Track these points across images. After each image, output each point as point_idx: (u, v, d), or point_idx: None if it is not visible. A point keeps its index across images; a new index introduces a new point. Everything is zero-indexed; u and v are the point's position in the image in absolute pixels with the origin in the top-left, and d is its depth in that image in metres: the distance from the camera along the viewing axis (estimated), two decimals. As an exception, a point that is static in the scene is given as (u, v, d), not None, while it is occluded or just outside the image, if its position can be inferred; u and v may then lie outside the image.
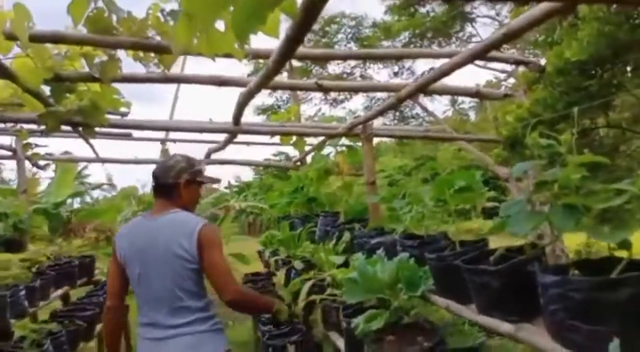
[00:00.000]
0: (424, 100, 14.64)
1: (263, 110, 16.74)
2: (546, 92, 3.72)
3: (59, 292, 4.06)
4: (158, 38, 2.05)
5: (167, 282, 1.89)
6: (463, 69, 2.31)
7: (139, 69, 2.59)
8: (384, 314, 2.03)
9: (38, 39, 2.13)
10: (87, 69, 2.70)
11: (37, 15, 2.17)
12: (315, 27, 13.15)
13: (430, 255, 2.03)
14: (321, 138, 5.00)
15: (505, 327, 1.54)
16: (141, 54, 2.32)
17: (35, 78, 2.46)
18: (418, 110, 15.52)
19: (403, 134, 4.37)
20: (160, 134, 5.22)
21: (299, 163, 5.77)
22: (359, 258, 2.86)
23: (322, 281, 3.23)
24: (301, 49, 2.12)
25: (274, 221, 6.24)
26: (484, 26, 11.49)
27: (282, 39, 1.72)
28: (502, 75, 13.41)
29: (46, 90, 2.86)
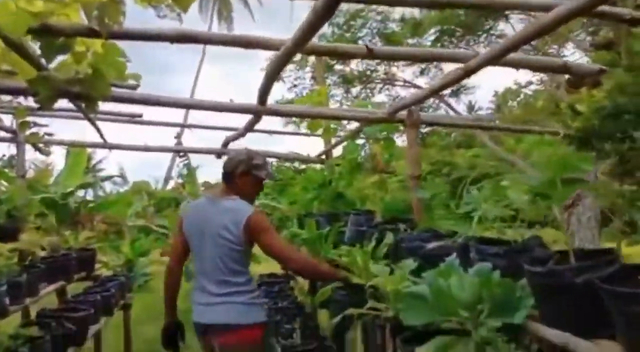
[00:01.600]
0: (448, 99, 13.97)
1: (283, 104, 16.13)
2: (630, 76, 3.12)
3: (50, 288, 3.56)
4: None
5: (215, 259, 2.23)
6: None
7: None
8: (466, 346, 1.48)
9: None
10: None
11: None
12: (339, 20, 12.60)
13: (533, 268, 1.47)
14: (346, 131, 4.46)
15: None
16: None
17: (17, 24, 1.95)
18: (441, 111, 14.85)
19: (452, 122, 3.79)
20: (174, 117, 4.73)
21: (323, 156, 5.22)
22: (410, 265, 2.32)
23: (357, 289, 2.68)
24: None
25: (286, 220, 5.70)
26: (521, 22, 10.78)
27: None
28: (535, 79, 12.67)
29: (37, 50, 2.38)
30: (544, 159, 1.55)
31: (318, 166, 7.58)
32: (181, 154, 12.51)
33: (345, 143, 4.72)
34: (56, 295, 4.16)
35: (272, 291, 4.36)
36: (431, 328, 1.77)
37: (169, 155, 20.85)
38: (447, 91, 14.24)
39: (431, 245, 2.23)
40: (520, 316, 1.42)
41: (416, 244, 2.39)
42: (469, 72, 2.25)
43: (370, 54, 2.30)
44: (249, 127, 3.88)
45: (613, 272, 1.27)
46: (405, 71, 14.51)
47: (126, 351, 4.67)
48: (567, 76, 6.30)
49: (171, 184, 18.15)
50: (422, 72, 13.43)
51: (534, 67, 2.54)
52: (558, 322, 1.38)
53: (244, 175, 2.33)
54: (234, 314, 2.19)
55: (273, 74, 2.57)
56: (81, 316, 3.27)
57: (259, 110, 3.07)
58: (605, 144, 3.07)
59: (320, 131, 4.47)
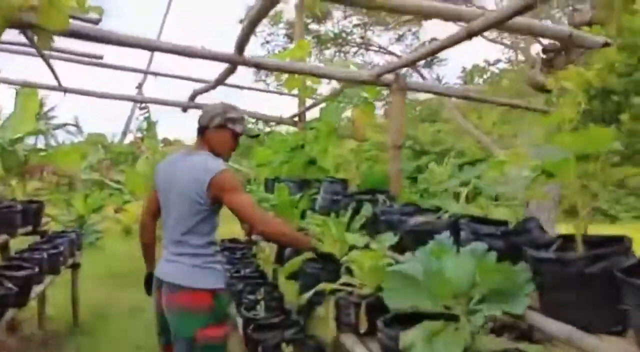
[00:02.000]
0: (422, 70, 13.76)
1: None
2: (621, 55, 3.02)
3: (-10, 242, 3.24)
4: None
5: (178, 217, 2.13)
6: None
7: None
8: (458, 335, 1.34)
9: None
10: None
11: None
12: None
13: (539, 253, 1.33)
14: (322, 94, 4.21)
15: None
16: None
17: None
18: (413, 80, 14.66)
19: (440, 91, 3.61)
20: (138, 63, 4.34)
21: (296, 118, 4.98)
22: (389, 240, 2.17)
23: (330, 262, 2.53)
24: None
25: (247, 183, 5.47)
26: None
27: None
28: (504, 57, 12.66)
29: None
30: (559, 136, 1.39)
31: (284, 129, 7.28)
32: (141, 106, 11.89)
33: (321, 105, 4.49)
34: (-2, 249, 3.84)
35: (233, 257, 4.17)
36: (413, 310, 1.65)
37: (128, 108, 19.88)
38: (422, 62, 14.03)
39: (414, 220, 2.08)
40: (521, 305, 1.29)
41: (397, 217, 2.24)
42: (471, 34, 2.06)
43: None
44: (222, 79, 3.56)
45: (633, 263, 1.15)
46: (381, 36, 14.19)
47: (73, 313, 4.41)
48: (542, 55, 6.22)
49: (130, 138, 17.37)
50: (398, 39, 13.15)
51: (538, 34, 2.38)
52: (560, 313, 1.27)
53: (219, 128, 2.18)
54: (182, 275, 2.08)
55: (257, 17, 2.29)
56: (23, 275, 2.98)
57: (236, 61, 2.77)
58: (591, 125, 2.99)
59: (295, 91, 4.22)
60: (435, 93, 3.72)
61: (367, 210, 2.55)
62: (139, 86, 13.18)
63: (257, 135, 2.54)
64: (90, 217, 8.48)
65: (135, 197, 9.96)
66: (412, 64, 2.79)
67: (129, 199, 10.32)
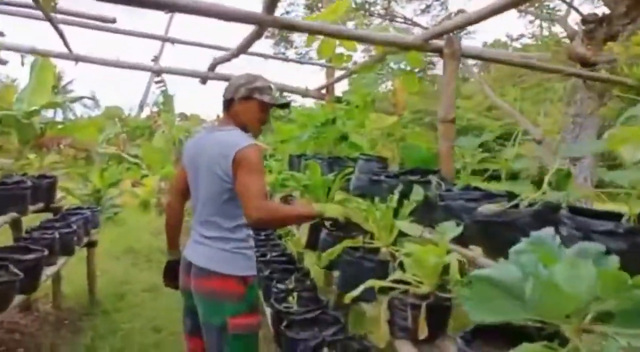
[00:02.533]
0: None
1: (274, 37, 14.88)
2: None
3: (-2, 220, 2.98)
4: None
5: (206, 196, 1.98)
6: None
7: None
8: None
9: None
10: None
11: None
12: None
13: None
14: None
15: None
16: None
17: None
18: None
19: (498, 58, 3.19)
20: (154, 28, 3.98)
21: (324, 90, 4.60)
22: (452, 230, 1.83)
23: (375, 252, 2.21)
24: None
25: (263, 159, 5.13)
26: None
27: None
28: (527, 32, 11.96)
29: None
30: None
31: (298, 104, 6.90)
32: (157, 79, 11.57)
33: (350, 77, 4.11)
34: (11, 228, 3.62)
35: (257, 238, 3.88)
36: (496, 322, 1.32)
37: (145, 81, 19.61)
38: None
39: (486, 208, 1.73)
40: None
41: (459, 204, 1.89)
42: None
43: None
44: (246, 46, 3.19)
45: None
46: (405, 8, 13.54)
47: (89, 291, 4.21)
48: (582, 27, 5.70)
49: (146, 112, 17.17)
50: (424, 10, 12.49)
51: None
52: None
53: (245, 100, 2.01)
54: (212, 259, 1.94)
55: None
56: (32, 258, 2.72)
57: (265, 21, 2.40)
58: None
59: (324, 60, 3.84)
60: (490, 60, 3.31)
61: (417, 193, 2.20)
62: (155, 59, 12.82)
63: (287, 104, 2.21)
64: (108, 191, 8.32)
65: (152, 172, 9.78)
66: (469, 24, 2.40)
67: (146, 173, 10.15)
